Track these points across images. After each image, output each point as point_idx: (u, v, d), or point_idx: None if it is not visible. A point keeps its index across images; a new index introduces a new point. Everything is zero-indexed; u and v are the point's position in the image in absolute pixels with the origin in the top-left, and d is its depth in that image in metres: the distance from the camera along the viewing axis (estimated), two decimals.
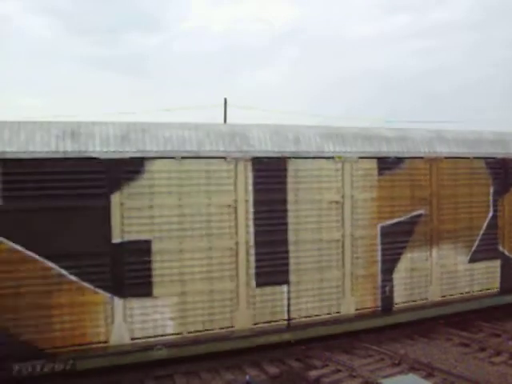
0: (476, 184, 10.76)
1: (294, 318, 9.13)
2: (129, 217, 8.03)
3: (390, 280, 9.92)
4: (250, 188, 8.74)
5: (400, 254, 9.99)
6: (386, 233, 9.80)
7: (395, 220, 9.90)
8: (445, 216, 10.41)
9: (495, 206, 11.02)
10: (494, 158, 10.95)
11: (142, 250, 8.12)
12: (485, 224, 10.90)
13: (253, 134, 8.99)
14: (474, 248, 10.79)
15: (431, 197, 10.25)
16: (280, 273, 9.01)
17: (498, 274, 11.12)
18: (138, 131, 8.28)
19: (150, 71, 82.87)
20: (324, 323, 9.29)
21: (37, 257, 7.57)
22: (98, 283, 7.88)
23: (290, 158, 9.01)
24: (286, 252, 9.02)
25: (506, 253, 11.21)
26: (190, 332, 8.43)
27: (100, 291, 7.91)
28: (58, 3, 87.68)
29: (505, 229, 11.15)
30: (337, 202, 9.39)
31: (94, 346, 7.91)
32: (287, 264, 9.04)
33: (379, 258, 9.77)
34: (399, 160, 9.92)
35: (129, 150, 8.07)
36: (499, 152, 11.04)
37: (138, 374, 8.10)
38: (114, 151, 7.97)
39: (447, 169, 10.43)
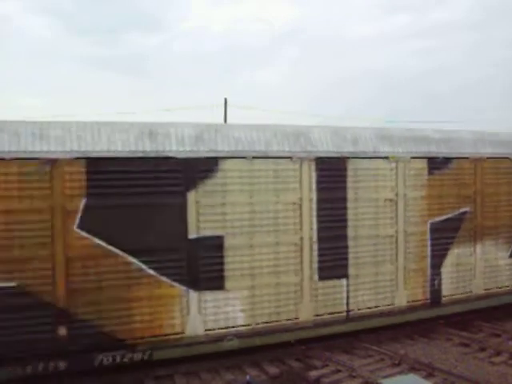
0: None
1: (352, 310, 9.60)
2: (203, 214, 8.42)
3: (439, 274, 10.43)
4: (314, 186, 9.18)
5: (447, 249, 10.51)
6: (435, 229, 10.31)
7: (443, 217, 10.41)
8: (487, 213, 10.96)
9: None
10: None
11: (215, 246, 8.52)
12: None
13: (314, 134, 9.42)
14: None
15: (475, 195, 10.79)
16: (340, 267, 9.47)
17: None
18: (211, 131, 8.66)
19: (150, 71, 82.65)
20: (379, 315, 9.79)
21: (118, 252, 7.94)
22: (175, 277, 8.27)
23: (349, 157, 9.47)
24: (346, 247, 9.49)
25: None
26: (258, 323, 8.86)
27: (176, 284, 8.29)
28: (57, 3, 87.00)
29: None
30: (391, 200, 9.87)
31: (171, 337, 8.29)
32: (347, 258, 9.51)
33: (429, 253, 10.29)
34: (447, 160, 10.44)
35: (202, 150, 8.45)
36: None
37: (211, 363, 8.48)
38: (189, 151, 8.35)
39: (489, 168, 10.97)
